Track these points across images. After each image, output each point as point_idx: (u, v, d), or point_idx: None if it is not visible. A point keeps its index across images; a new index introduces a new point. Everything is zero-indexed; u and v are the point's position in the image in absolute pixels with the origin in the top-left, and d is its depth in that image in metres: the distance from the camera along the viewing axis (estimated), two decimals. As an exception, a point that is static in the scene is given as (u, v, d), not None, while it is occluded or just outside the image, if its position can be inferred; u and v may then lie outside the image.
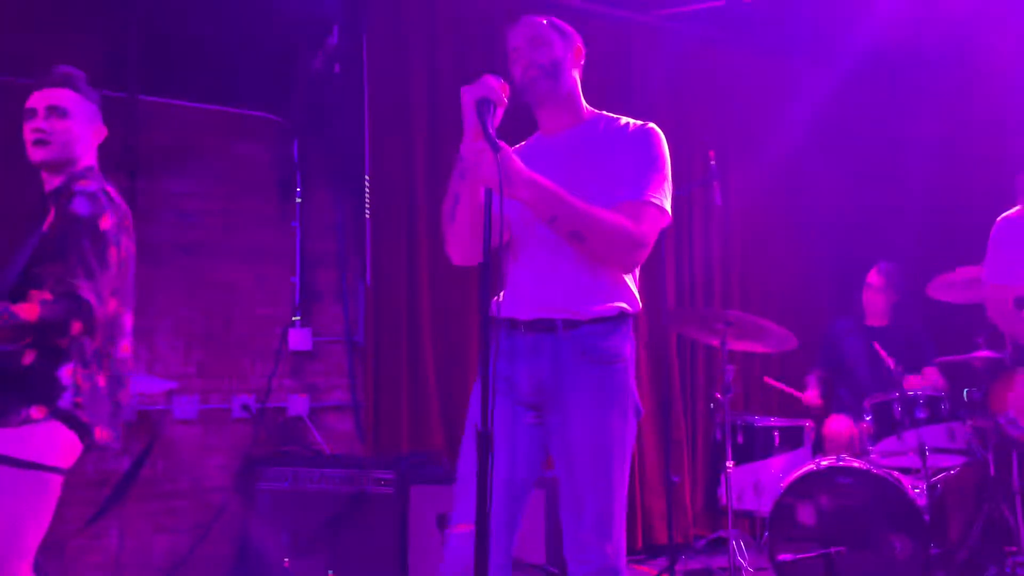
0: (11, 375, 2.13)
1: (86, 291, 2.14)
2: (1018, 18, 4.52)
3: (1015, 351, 3.40)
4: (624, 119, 2.10)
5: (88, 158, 2.39)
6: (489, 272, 1.67)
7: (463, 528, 1.87)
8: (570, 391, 1.93)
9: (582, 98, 2.12)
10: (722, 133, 4.96)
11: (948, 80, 4.93)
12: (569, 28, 2.10)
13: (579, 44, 2.10)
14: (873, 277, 4.30)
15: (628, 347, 2.00)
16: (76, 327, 2.14)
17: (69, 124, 2.34)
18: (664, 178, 2.01)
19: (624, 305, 1.99)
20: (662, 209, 1.98)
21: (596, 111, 2.14)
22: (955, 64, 4.88)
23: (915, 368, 4.04)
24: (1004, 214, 3.23)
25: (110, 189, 2.33)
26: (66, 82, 2.40)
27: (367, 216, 4.22)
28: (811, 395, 4.31)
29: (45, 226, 2.22)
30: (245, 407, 4.11)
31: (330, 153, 4.38)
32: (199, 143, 4.16)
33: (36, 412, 2.12)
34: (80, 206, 2.21)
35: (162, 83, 4.07)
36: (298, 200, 4.33)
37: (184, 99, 4.15)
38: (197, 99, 4.17)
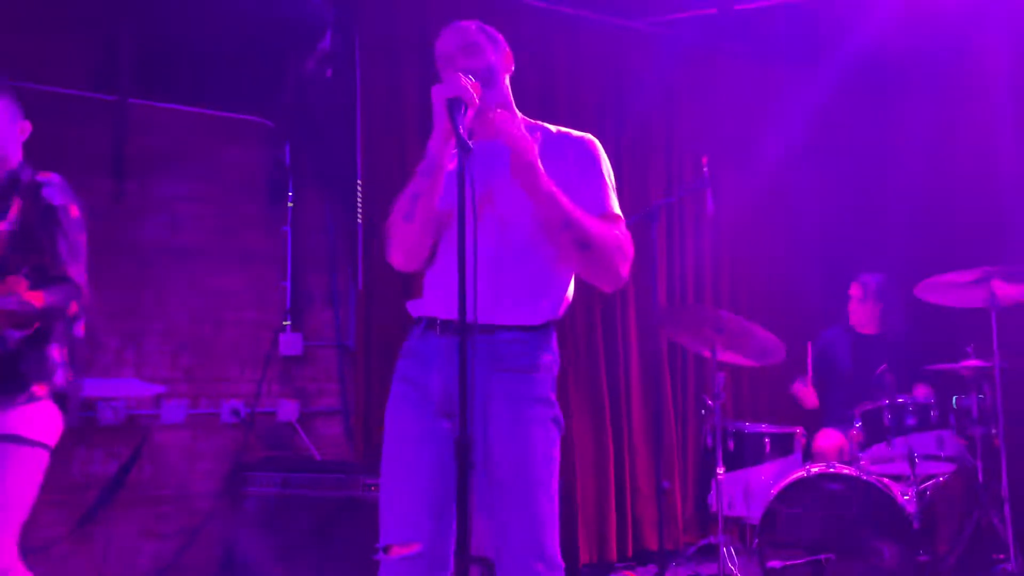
0: (11, 356, 2.22)
1: (77, 274, 2.27)
2: (1007, 25, 4.55)
3: (1004, 359, 3.42)
4: (556, 128, 2.06)
5: (17, 156, 2.42)
6: (465, 278, 1.61)
7: (401, 551, 1.80)
8: (487, 401, 1.85)
9: (515, 106, 2.07)
10: (713, 140, 4.97)
11: (937, 87, 4.96)
12: (497, 33, 2.05)
13: (508, 49, 2.05)
14: (854, 289, 4.35)
15: (547, 356, 1.94)
16: (73, 309, 2.27)
17: None
18: (613, 187, 2.00)
19: (548, 317, 1.95)
20: (623, 220, 1.98)
21: (530, 119, 2.08)
22: (944, 71, 4.90)
23: (905, 377, 4.05)
24: None
25: (47, 176, 2.41)
26: None
27: (359, 220, 4.21)
28: (808, 393, 4.29)
29: (9, 217, 2.27)
30: (234, 412, 4.09)
31: (322, 157, 4.37)
32: (190, 147, 4.14)
33: (39, 390, 2.23)
34: (53, 195, 2.32)
35: (153, 86, 4.05)
36: (289, 204, 4.32)
37: (175, 102, 4.13)
38: (188, 102, 4.15)
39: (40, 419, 2.24)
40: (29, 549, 2.23)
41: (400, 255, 1.99)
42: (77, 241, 2.31)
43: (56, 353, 2.28)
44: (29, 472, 2.21)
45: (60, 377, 2.28)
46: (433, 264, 2.02)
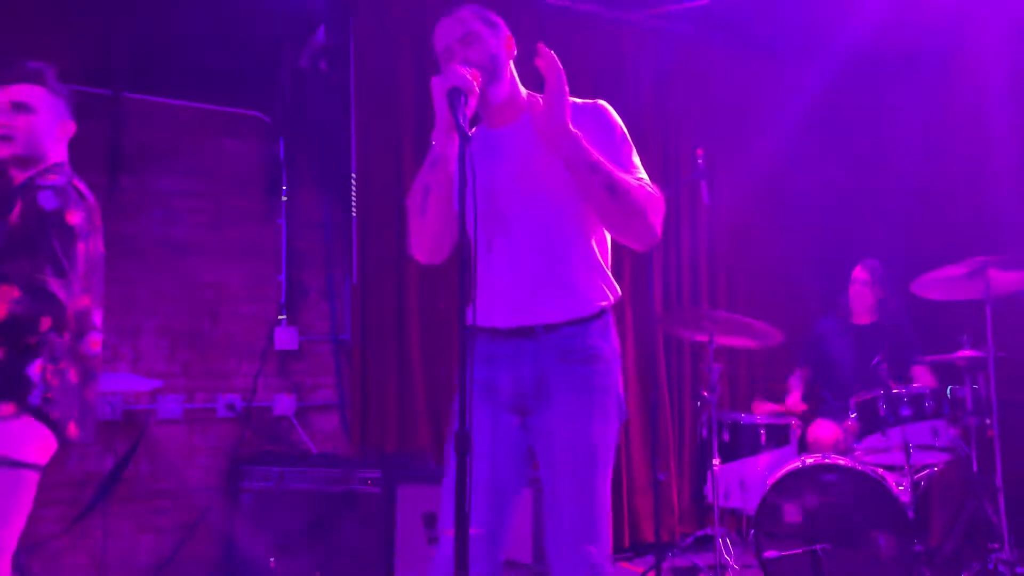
0: None
1: (55, 287, 2.12)
2: (1001, 16, 4.55)
3: (998, 348, 3.44)
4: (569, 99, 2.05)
5: (57, 154, 2.37)
6: (467, 268, 1.63)
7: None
8: (552, 393, 1.91)
9: (520, 86, 2.05)
10: (709, 131, 4.97)
11: (933, 78, 4.97)
12: (495, 16, 2.01)
13: (507, 32, 2.02)
14: (859, 272, 4.33)
15: (609, 345, 1.97)
16: (45, 323, 2.12)
17: (34, 120, 2.32)
18: (634, 149, 1.98)
19: (602, 303, 1.96)
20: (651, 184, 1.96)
21: (533, 94, 2.06)
22: (940, 62, 4.91)
23: (902, 365, 4.06)
24: None
25: (79, 184, 2.31)
26: (33, 78, 2.36)
27: (354, 214, 4.21)
28: (793, 399, 4.32)
29: (11, 219, 2.18)
30: (230, 406, 4.09)
31: (316, 151, 4.37)
32: (184, 141, 4.14)
33: (5, 408, 2.12)
34: (46, 200, 2.18)
35: (147, 81, 4.04)
36: (284, 198, 4.31)
37: (169, 97, 4.12)
38: (182, 97, 4.14)
39: (11, 436, 2.12)
40: (27, 545, 2.21)
41: (421, 250, 1.99)
42: (68, 251, 2.16)
43: (35, 372, 2.15)
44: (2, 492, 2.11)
45: (35, 396, 2.14)
46: (481, 263, 2.01)
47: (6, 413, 2.12)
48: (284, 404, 4.19)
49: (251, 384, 4.14)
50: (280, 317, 4.24)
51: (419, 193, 1.90)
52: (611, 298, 1.99)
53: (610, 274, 2.02)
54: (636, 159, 1.96)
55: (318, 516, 3.45)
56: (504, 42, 2.00)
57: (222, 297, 4.16)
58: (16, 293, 2.09)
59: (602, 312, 1.97)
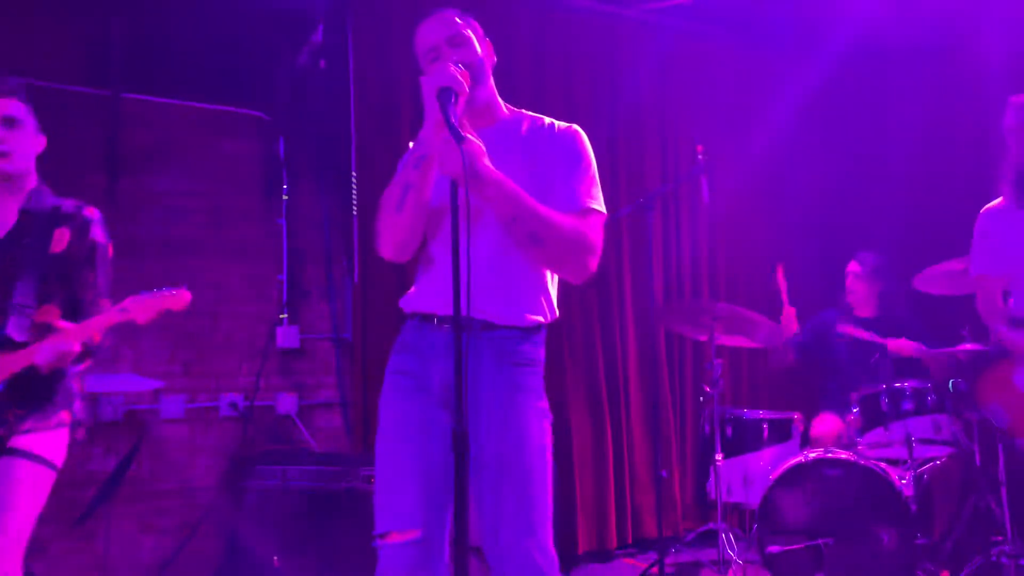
0: (44, 382, 2.29)
1: (98, 312, 2.34)
2: (1000, 10, 4.54)
3: (998, 343, 3.43)
4: (548, 119, 2.05)
5: (34, 170, 2.43)
6: (459, 269, 1.61)
7: (398, 537, 1.82)
8: (485, 390, 1.88)
9: (498, 95, 2.06)
10: (708, 127, 4.97)
11: (932, 72, 4.96)
12: (475, 22, 2.04)
13: (485, 38, 2.04)
14: (853, 265, 4.33)
15: (540, 353, 1.98)
16: (107, 343, 2.38)
17: (22, 135, 2.35)
18: (596, 180, 1.98)
19: (541, 319, 1.97)
20: (602, 213, 1.96)
21: (515, 109, 2.08)
22: (938, 56, 4.90)
23: (902, 361, 4.05)
24: (987, 206, 3.26)
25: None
26: (16, 92, 2.39)
27: (354, 212, 4.21)
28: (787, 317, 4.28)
29: (60, 247, 2.34)
30: (232, 406, 4.09)
31: (316, 149, 4.37)
32: (183, 141, 4.13)
33: (66, 416, 2.34)
34: (99, 234, 2.41)
35: (145, 80, 4.03)
36: (284, 197, 4.31)
37: (168, 96, 4.11)
38: (181, 96, 4.13)
39: (61, 444, 2.33)
40: (30, 546, 2.25)
41: (390, 247, 1.98)
42: (108, 278, 2.44)
43: (75, 383, 2.38)
44: (42, 492, 2.28)
45: (78, 408, 2.37)
46: (427, 260, 2.02)
47: (67, 421, 2.33)
48: (286, 403, 4.19)
49: (253, 383, 4.14)
50: (281, 316, 4.24)
51: (398, 189, 1.90)
52: (548, 316, 2.00)
53: (553, 293, 2.02)
54: (593, 192, 1.96)
55: (321, 515, 3.45)
56: (486, 48, 2.02)
57: (223, 297, 4.15)
58: (57, 313, 2.30)
59: (538, 327, 1.97)
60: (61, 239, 2.34)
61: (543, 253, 1.87)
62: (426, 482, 1.86)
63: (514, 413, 1.88)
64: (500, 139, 1.97)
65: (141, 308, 2.28)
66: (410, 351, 1.97)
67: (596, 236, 1.93)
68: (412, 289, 2.04)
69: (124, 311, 2.27)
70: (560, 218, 1.87)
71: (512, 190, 1.82)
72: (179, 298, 2.35)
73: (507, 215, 1.83)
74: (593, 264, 1.93)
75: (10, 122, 2.31)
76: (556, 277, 2.03)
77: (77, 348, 2.21)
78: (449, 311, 1.78)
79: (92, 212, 2.43)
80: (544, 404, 1.95)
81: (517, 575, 1.82)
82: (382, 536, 1.85)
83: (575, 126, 2.04)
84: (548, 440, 1.93)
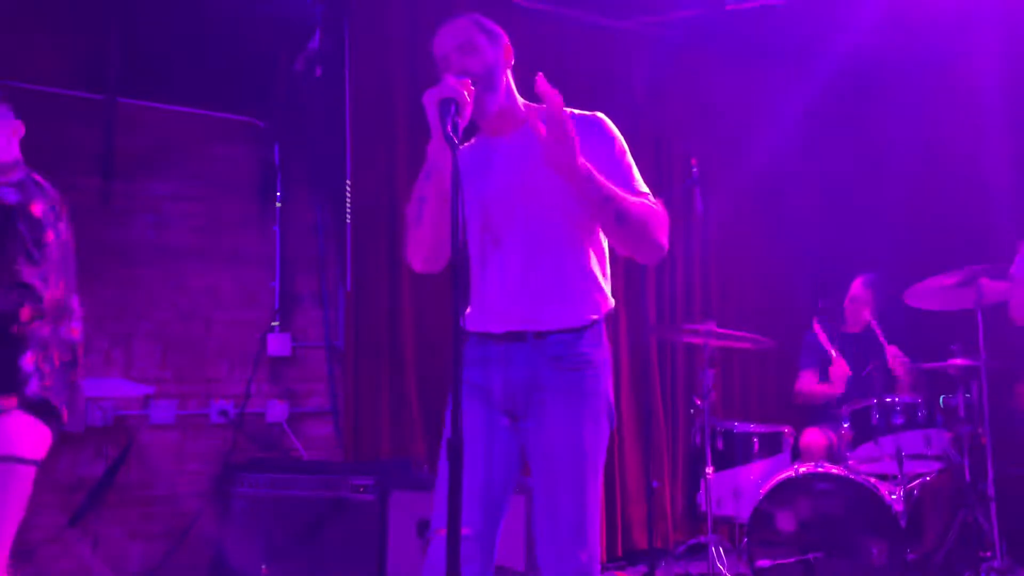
0: None
1: (30, 276, 2.18)
2: (994, 27, 4.58)
3: (991, 357, 3.45)
4: (567, 110, 2.02)
5: (9, 154, 2.38)
6: (458, 275, 1.63)
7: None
8: (544, 397, 1.92)
9: (517, 95, 2.07)
10: (703, 140, 4.99)
11: (927, 87, 4.99)
12: (495, 26, 2.02)
13: (507, 42, 2.03)
14: (859, 290, 4.30)
15: (599, 352, 1.98)
16: (25, 314, 2.18)
17: None
18: (633, 162, 2.01)
19: (594, 316, 1.98)
20: (652, 198, 1.99)
21: (531, 104, 2.07)
22: (934, 72, 4.93)
23: (893, 376, 4.06)
24: None
25: (37, 177, 2.36)
26: None
27: (348, 220, 4.20)
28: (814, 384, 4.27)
29: None
30: (223, 412, 4.08)
31: (311, 157, 4.37)
32: (179, 146, 4.13)
33: (5, 402, 2.16)
34: (8, 195, 2.25)
35: (142, 85, 4.03)
36: (278, 204, 4.30)
37: (164, 102, 4.12)
38: (177, 102, 4.14)
39: (9, 432, 2.15)
40: (17, 551, 2.21)
41: (417, 259, 2.02)
42: (38, 241, 2.23)
43: (28, 362, 2.20)
44: (3, 486, 2.14)
45: (34, 386, 2.19)
46: (475, 272, 2.04)
47: (8, 406, 2.15)
48: (277, 410, 4.17)
49: (244, 390, 4.12)
50: (273, 323, 4.23)
51: (415, 203, 1.93)
52: (604, 309, 2.01)
53: (605, 284, 2.03)
54: (636, 171, 1.99)
55: (310, 523, 3.43)
56: (503, 52, 2.02)
57: (215, 303, 4.14)
58: None
59: (594, 323, 1.98)
60: None
61: (627, 232, 1.89)
62: (485, 482, 1.92)
63: (570, 421, 1.91)
64: (524, 143, 1.98)
65: None
66: (474, 365, 2.00)
67: (663, 212, 1.95)
68: (468, 309, 2.06)
69: None
70: (635, 201, 1.90)
71: (598, 175, 1.83)
72: None
73: (598, 196, 1.84)
74: (666, 242, 1.97)
75: None
76: (608, 269, 2.05)
77: None
78: (500, 328, 1.94)
79: (8, 176, 2.30)
80: (602, 404, 1.96)
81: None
82: (436, 531, 1.90)
83: (598, 113, 2.04)
84: (603, 442, 1.96)
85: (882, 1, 4.45)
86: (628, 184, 1.94)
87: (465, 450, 1.91)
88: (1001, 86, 4.56)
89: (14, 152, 2.41)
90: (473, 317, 2.02)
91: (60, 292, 2.30)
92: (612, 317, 4.70)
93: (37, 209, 2.27)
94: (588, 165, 1.82)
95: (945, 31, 4.65)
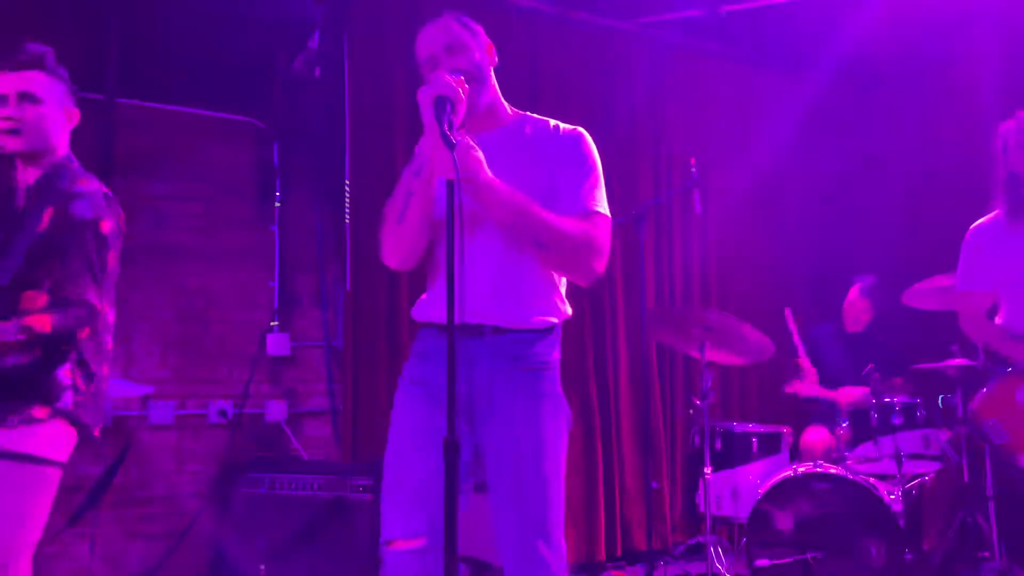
0: (11, 377, 2.11)
1: (93, 296, 2.16)
2: (993, 27, 4.58)
3: (987, 359, 3.44)
4: (553, 122, 2.06)
5: (63, 146, 2.32)
6: (454, 277, 1.62)
7: (403, 545, 1.83)
8: (503, 396, 1.90)
9: (502, 97, 2.07)
10: (702, 140, 4.99)
11: (926, 88, 4.99)
12: (475, 24, 2.03)
13: (488, 40, 2.04)
14: (856, 296, 4.32)
15: (555, 354, 1.99)
16: (84, 333, 2.17)
17: (42, 110, 2.25)
18: (600, 183, 2.00)
19: (554, 320, 1.98)
20: (607, 216, 1.98)
21: (519, 111, 2.09)
22: (932, 74, 4.94)
23: (891, 375, 4.07)
24: (977, 222, 3.28)
25: (107, 191, 2.29)
26: (37, 63, 2.28)
27: (347, 220, 4.20)
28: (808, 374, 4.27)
29: (42, 226, 2.16)
30: (222, 412, 4.08)
31: (310, 156, 4.37)
32: (178, 146, 4.13)
33: (38, 412, 2.12)
34: (83, 209, 2.19)
35: (140, 85, 4.03)
36: (277, 204, 4.31)
37: (163, 102, 4.12)
38: (176, 102, 4.14)
39: (42, 437, 2.13)
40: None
41: (395, 257, 2.00)
42: (102, 259, 2.20)
43: (66, 375, 2.16)
44: (25, 489, 2.12)
45: (68, 399, 2.15)
46: (434, 268, 2.03)
47: (40, 416, 2.12)
48: (276, 410, 4.17)
49: (243, 390, 4.12)
50: (272, 323, 4.23)
51: (400, 199, 1.92)
52: (563, 315, 2.01)
53: (563, 292, 2.03)
54: (597, 194, 1.98)
55: (309, 523, 3.43)
56: (487, 50, 2.02)
57: (214, 302, 4.14)
58: (44, 300, 2.12)
59: (553, 327, 1.99)
60: (45, 218, 2.17)
61: (548, 257, 1.91)
62: (434, 491, 1.84)
63: (529, 418, 1.90)
64: (504, 142, 1.99)
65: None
66: (423, 359, 1.97)
67: (602, 238, 1.94)
68: (422, 297, 2.05)
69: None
70: (563, 221, 1.88)
71: (510, 196, 1.83)
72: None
73: (506, 221, 1.85)
74: (600, 266, 1.95)
75: (26, 97, 2.22)
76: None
77: (9, 338, 2.04)
78: (458, 319, 1.81)
79: (84, 185, 2.22)
80: (560, 404, 1.96)
81: (526, 570, 1.84)
82: (388, 543, 1.86)
83: (580, 128, 2.05)
84: (563, 441, 1.94)
85: (881, 1, 4.45)
86: (581, 201, 1.93)
87: (409, 456, 1.88)
88: (1000, 87, 4.56)
89: (66, 144, 2.32)
90: (427, 305, 2.00)
91: (108, 307, 2.29)
92: (612, 317, 4.69)
93: (106, 227, 2.22)
94: (496, 181, 1.81)
95: (944, 32, 4.65)
